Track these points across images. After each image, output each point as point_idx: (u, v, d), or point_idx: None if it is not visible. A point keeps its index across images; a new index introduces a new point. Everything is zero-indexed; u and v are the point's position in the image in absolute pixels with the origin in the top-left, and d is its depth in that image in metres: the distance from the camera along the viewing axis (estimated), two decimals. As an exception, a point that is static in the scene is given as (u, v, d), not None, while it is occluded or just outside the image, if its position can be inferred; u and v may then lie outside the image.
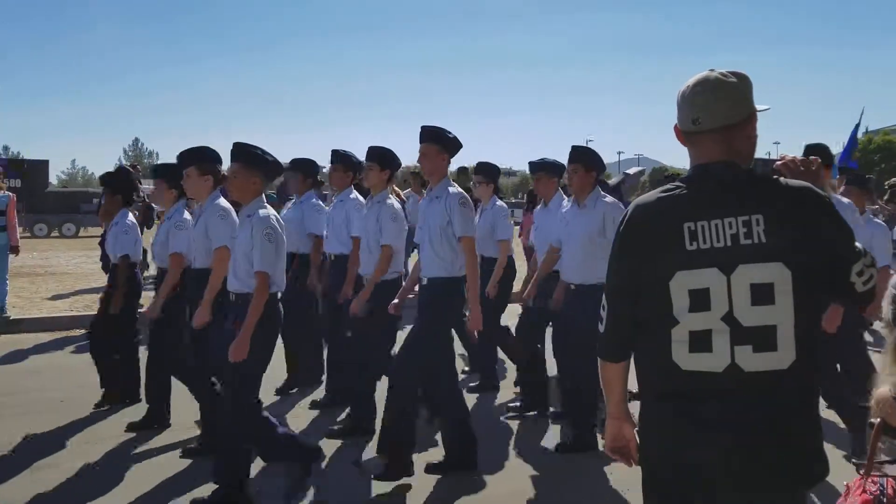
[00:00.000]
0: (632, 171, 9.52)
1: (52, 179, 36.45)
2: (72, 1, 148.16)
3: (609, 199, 4.92)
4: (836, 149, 10.71)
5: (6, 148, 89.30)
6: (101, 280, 11.33)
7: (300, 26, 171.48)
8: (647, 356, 1.99)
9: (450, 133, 4.46)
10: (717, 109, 1.93)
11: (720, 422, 1.82)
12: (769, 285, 1.80)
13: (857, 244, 1.84)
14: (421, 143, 4.43)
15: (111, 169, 9.58)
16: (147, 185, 11.52)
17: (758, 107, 2.01)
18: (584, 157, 4.92)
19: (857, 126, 9.78)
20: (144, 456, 4.70)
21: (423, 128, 4.45)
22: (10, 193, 8.93)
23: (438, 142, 4.42)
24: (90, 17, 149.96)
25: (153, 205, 10.96)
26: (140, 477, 4.34)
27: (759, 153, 2.08)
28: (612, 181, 12.91)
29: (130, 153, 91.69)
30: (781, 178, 1.91)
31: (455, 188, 4.45)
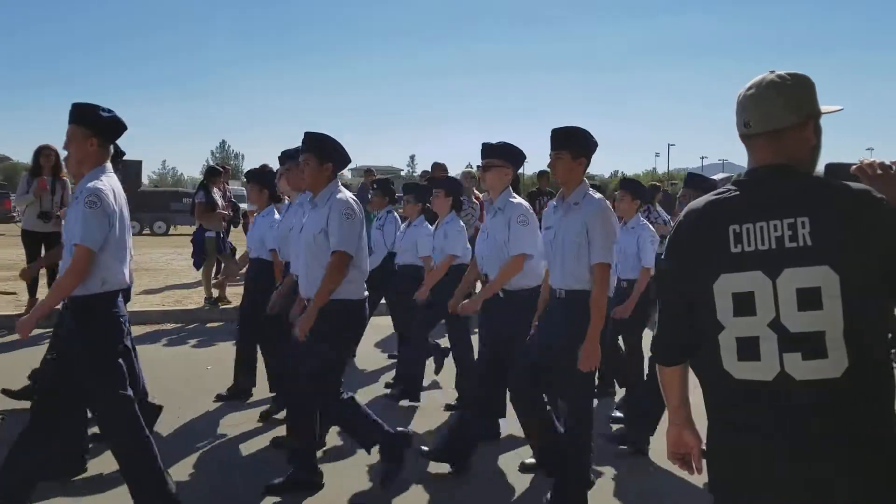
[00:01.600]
0: (717, 177, 9.30)
1: (144, 179, 37.97)
2: (175, 15, 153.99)
3: (346, 194, 4.14)
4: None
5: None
6: (191, 276, 11.91)
7: (394, 26, 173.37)
8: (703, 365, 1.97)
9: (104, 111, 3.61)
10: (767, 112, 1.90)
11: (776, 434, 1.79)
12: (816, 290, 1.74)
13: None
14: (68, 124, 3.62)
15: (199, 170, 9.95)
16: (235, 186, 11.90)
17: (826, 108, 1.96)
18: (316, 146, 4.17)
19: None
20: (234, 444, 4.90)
21: (73, 105, 3.63)
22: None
23: (86, 124, 3.58)
24: (185, 22, 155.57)
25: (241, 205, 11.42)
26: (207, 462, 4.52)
27: (852, 159, 2.01)
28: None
29: (218, 154, 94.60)
30: (839, 182, 1.84)
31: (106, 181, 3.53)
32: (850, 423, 1.75)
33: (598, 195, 3.96)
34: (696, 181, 5.66)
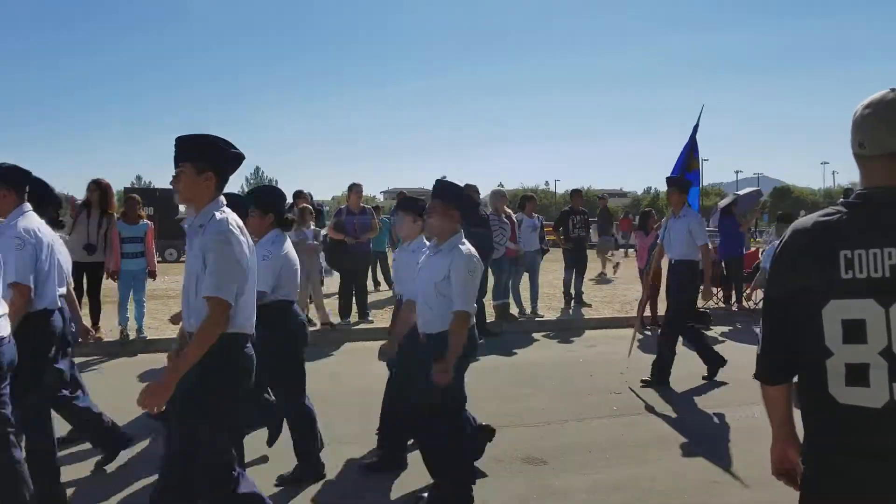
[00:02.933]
0: (743, 192, 9.14)
1: (181, 207, 38.50)
2: (211, 43, 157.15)
3: (21, 223, 3.97)
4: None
5: (139, 177, 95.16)
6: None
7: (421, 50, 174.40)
8: (805, 386, 1.95)
9: None
10: (884, 134, 1.84)
11: (880, 459, 1.78)
12: None
13: None
14: None
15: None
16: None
17: None
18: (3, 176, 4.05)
19: (696, 128, 8.31)
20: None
21: None
22: (149, 222, 9.56)
23: None
24: (222, 56, 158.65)
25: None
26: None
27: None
28: (722, 202, 12.50)
29: (252, 181, 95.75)
30: None
31: None
32: None
33: (222, 216, 3.25)
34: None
